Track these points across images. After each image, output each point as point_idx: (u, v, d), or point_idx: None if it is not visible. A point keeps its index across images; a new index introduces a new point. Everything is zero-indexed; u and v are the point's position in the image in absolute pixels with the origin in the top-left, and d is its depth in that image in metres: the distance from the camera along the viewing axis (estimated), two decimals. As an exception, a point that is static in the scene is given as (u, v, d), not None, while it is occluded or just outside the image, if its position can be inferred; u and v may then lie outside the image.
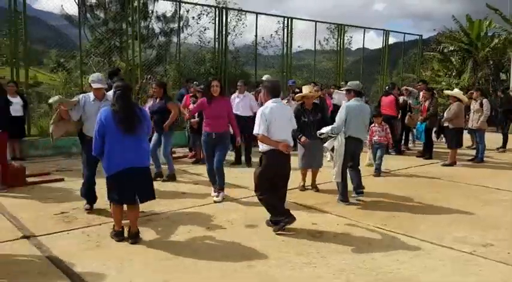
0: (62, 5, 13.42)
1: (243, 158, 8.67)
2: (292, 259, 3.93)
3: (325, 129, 5.86)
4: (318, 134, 5.96)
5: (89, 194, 5.26)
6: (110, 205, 4.39)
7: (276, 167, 4.64)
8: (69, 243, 4.25)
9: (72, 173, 7.37)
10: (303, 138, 6.15)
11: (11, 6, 8.95)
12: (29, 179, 6.76)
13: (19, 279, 3.43)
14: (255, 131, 4.54)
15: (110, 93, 5.82)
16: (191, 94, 8.87)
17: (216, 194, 5.95)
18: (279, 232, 4.58)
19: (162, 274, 3.58)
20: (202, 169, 6.98)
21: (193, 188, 6.62)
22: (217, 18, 12.19)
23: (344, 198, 5.88)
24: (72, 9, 13.30)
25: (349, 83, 6.19)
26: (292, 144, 4.71)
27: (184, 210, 5.42)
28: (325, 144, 5.95)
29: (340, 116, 5.82)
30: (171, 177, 7.04)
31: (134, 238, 4.27)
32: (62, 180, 6.97)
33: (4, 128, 6.36)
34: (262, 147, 4.63)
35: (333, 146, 5.84)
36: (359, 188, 6.08)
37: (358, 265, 3.80)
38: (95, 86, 5.11)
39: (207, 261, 3.85)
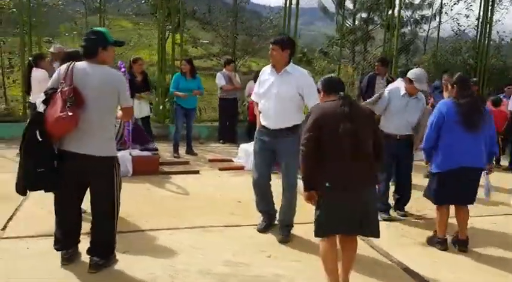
0: None
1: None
2: None
3: None
4: None
5: (385, 199, 4.92)
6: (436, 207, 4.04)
7: None
8: (388, 235, 4.21)
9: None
10: None
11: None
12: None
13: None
14: None
15: (392, 85, 5.52)
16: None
17: None
18: None
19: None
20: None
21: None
22: (481, 3, 10.94)
23: None
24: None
25: None
26: None
27: (483, 218, 4.95)
28: None
29: None
30: None
31: (463, 245, 3.94)
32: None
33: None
34: None
35: None
36: None
37: None
38: (418, 86, 4.57)
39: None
